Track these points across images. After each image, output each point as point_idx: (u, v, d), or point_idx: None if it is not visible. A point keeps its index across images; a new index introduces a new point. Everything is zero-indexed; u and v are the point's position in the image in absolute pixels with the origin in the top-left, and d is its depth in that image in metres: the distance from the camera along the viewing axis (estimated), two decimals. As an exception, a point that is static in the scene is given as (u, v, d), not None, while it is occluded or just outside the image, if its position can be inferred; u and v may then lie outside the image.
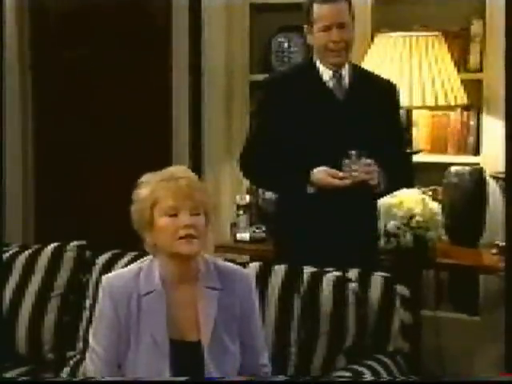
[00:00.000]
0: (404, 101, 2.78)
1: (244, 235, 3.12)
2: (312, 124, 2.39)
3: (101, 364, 1.82)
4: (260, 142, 2.43)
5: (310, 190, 2.36)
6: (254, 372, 1.88)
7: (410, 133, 2.97)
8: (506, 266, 2.36)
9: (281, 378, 1.93)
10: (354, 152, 2.31)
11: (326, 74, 2.42)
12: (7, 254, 2.41)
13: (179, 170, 1.86)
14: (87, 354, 1.88)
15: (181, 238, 1.76)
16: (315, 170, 2.34)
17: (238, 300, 1.85)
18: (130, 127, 3.49)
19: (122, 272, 1.90)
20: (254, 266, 2.18)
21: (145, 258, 1.91)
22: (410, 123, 2.96)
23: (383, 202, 2.70)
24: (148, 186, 1.81)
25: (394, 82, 2.55)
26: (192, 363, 1.81)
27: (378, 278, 2.13)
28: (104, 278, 1.88)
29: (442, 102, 2.87)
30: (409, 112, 2.96)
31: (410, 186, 2.69)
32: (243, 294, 1.86)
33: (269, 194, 3.08)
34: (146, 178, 1.85)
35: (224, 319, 1.84)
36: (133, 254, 2.25)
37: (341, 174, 2.32)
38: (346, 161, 2.32)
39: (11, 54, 3.49)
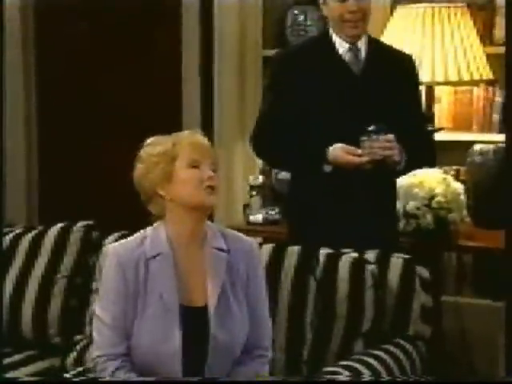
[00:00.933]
0: (426, 76, 2.72)
1: (257, 217, 3.08)
2: (327, 99, 2.32)
3: (108, 332, 1.79)
4: (273, 118, 2.36)
5: (327, 168, 2.28)
6: (252, 342, 1.84)
7: (432, 110, 2.88)
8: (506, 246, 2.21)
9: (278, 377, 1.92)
10: (372, 128, 2.21)
11: (342, 46, 2.34)
12: (11, 235, 2.37)
13: (192, 132, 1.90)
14: (93, 325, 1.85)
15: (204, 188, 1.81)
16: (331, 148, 2.26)
17: (242, 263, 1.86)
18: (138, 106, 3.45)
19: (127, 240, 1.90)
20: (268, 247, 2.13)
21: (148, 228, 1.89)
22: (431, 100, 2.87)
23: (403, 181, 2.62)
24: (165, 143, 1.83)
25: (413, 57, 2.46)
26: (198, 329, 1.80)
27: (397, 260, 2.09)
28: (110, 246, 1.91)
29: (465, 78, 2.80)
30: (430, 88, 2.87)
31: (431, 164, 2.62)
32: (247, 257, 1.87)
33: (283, 174, 3.03)
34: (155, 139, 1.87)
35: (231, 282, 1.84)
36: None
37: (359, 151, 2.24)
38: (364, 137, 2.23)
39: (13, 47, 3.47)
